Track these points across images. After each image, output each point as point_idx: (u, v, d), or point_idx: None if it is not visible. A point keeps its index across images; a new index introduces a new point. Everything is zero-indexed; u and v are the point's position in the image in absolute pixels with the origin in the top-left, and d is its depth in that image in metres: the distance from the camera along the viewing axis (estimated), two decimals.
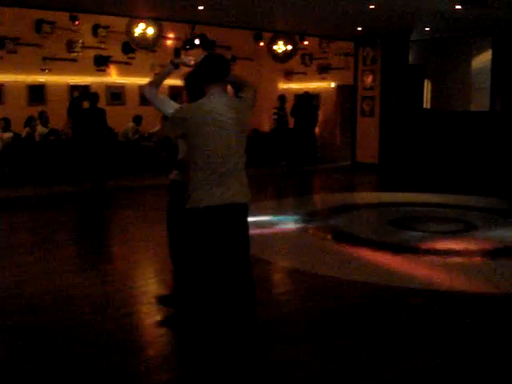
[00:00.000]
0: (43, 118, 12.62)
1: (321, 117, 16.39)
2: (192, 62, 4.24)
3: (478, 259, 6.65)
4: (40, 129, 12.48)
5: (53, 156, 12.31)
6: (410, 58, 15.43)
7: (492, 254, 6.86)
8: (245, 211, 3.85)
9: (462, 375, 3.79)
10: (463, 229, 8.16)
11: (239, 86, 4.08)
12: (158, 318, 4.84)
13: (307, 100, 15.66)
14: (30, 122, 12.57)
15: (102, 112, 11.51)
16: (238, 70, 16.56)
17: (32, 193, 11.19)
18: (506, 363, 3.96)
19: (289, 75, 17.84)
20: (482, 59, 15.19)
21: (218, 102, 3.73)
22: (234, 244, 3.79)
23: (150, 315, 4.93)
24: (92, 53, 14.16)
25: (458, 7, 10.28)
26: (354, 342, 4.28)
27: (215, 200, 3.66)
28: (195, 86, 4.14)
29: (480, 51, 15.29)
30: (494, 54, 14.42)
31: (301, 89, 16.78)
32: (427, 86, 16.10)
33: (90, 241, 7.90)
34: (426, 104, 15.97)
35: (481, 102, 14.82)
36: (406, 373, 3.81)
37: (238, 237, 3.81)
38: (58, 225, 8.69)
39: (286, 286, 6.03)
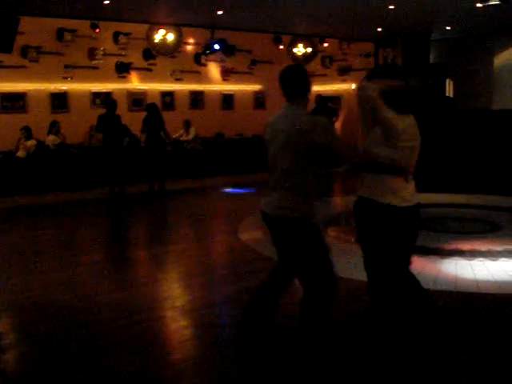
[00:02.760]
0: (55, 128, 12.79)
1: (342, 118, 16.33)
2: None
3: (503, 260, 6.57)
4: (52, 138, 12.66)
5: (71, 163, 12.54)
6: (431, 57, 15.35)
7: None
8: (277, 223, 4.00)
9: (491, 373, 3.76)
10: (488, 229, 8.09)
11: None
12: (184, 322, 4.87)
13: (323, 103, 15.60)
14: (54, 125, 12.77)
15: (118, 118, 11.61)
16: (258, 73, 16.62)
17: (54, 199, 11.30)
18: None
19: (309, 77, 17.78)
20: (504, 57, 15.04)
21: (278, 114, 4.01)
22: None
23: (175, 320, 4.96)
24: (113, 60, 14.26)
25: (479, 5, 10.19)
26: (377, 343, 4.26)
27: (261, 206, 4.05)
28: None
29: (502, 49, 15.14)
30: None
31: (322, 91, 16.73)
32: (449, 86, 15.96)
33: (113, 246, 7.97)
34: None
35: (503, 100, 14.68)
36: (433, 371, 3.79)
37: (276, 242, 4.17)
38: (81, 231, 8.77)
39: None
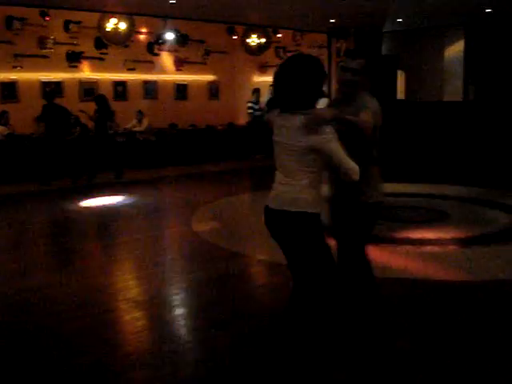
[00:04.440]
0: (4, 118, 12.56)
1: None
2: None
3: (452, 247, 6.72)
4: (0, 128, 12.42)
5: (19, 154, 12.31)
6: (384, 49, 15.54)
7: (466, 242, 6.94)
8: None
9: (435, 360, 3.85)
10: (438, 218, 8.26)
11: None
12: (136, 314, 4.85)
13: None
14: (2, 115, 12.52)
15: (60, 108, 11.66)
16: (211, 63, 16.58)
17: (5, 190, 11.08)
18: (478, 348, 4.03)
19: (263, 68, 17.85)
20: (455, 49, 15.33)
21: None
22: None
23: (128, 312, 4.93)
24: (64, 49, 13.99)
25: None
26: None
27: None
28: None
29: (452, 42, 15.43)
30: (466, 45, 14.57)
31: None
32: (401, 77, 16.19)
33: (65, 239, 7.87)
34: (400, 95, 16.07)
35: (454, 91, 14.97)
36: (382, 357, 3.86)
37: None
38: (30, 223, 8.61)
39: (264, 278, 6.05)
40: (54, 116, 11.61)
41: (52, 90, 12.39)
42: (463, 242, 6.92)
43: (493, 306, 4.87)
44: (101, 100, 12.11)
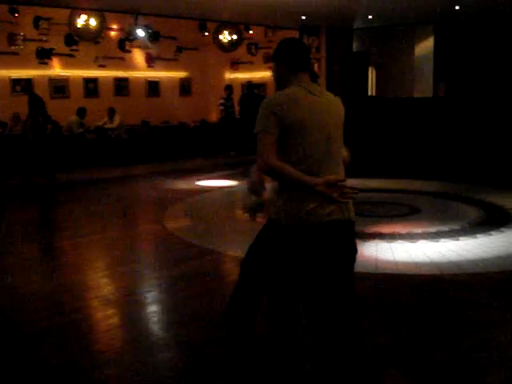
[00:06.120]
0: None
1: None
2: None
3: (422, 242, 6.81)
4: None
5: None
6: (354, 45, 15.65)
7: (436, 236, 7.03)
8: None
9: (408, 354, 3.91)
10: (408, 212, 8.35)
11: None
12: (108, 312, 4.84)
13: (251, 90, 15.69)
14: None
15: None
16: (183, 60, 16.54)
17: None
18: (448, 341, 4.10)
19: (235, 65, 17.86)
20: (425, 46, 15.47)
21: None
22: None
23: (100, 310, 4.92)
24: (34, 45, 13.87)
25: None
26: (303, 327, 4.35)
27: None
28: None
29: (422, 38, 15.56)
30: (435, 41, 14.72)
31: (247, 78, 16.84)
32: (372, 74, 16.32)
33: (37, 236, 7.81)
34: (371, 91, 16.19)
35: (424, 88, 15.11)
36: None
37: None
38: (2, 221, 8.53)
39: (236, 275, 6.05)
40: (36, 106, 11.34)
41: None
42: (433, 236, 7.02)
43: (462, 299, 4.96)
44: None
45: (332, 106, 3.12)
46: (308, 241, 2.95)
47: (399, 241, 6.82)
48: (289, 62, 3.12)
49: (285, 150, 2.95)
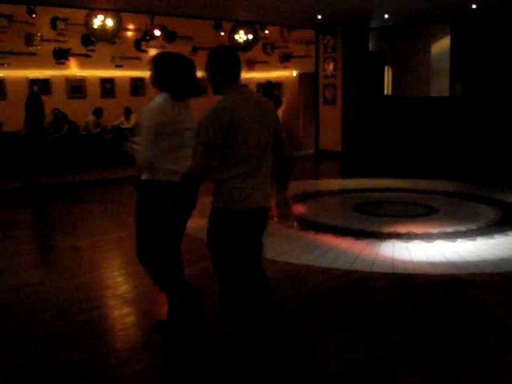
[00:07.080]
0: None
1: (284, 105, 16.46)
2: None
3: (439, 242, 6.78)
4: None
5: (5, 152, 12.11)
6: (371, 45, 15.59)
7: (453, 236, 7.00)
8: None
9: (425, 354, 3.89)
10: (425, 212, 8.33)
11: None
12: (125, 310, 4.86)
13: (269, 89, 15.69)
14: None
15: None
16: (199, 60, 16.53)
17: None
18: (465, 341, 4.08)
19: (251, 65, 17.86)
20: (441, 45, 15.38)
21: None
22: None
23: (117, 308, 4.95)
24: (51, 46, 13.94)
25: None
26: (321, 326, 4.35)
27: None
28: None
29: (439, 37, 15.47)
30: (452, 40, 14.62)
31: (263, 78, 16.85)
32: (388, 73, 16.24)
33: (49, 236, 7.86)
34: (387, 90, 16.12)
35: (440, 87, 15.03)
36: (373, 352, 3.90)
37: None
38: (11, 222, 8.56)
39: None
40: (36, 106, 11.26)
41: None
42: (450, 237, 6.98)
43: (480, 299, 4.93)
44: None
45: (267, 111, 3.68)
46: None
47: (416, 241, 6.80)
48: (226, 73, 3.73)
49: (228, 151, 3.48)
